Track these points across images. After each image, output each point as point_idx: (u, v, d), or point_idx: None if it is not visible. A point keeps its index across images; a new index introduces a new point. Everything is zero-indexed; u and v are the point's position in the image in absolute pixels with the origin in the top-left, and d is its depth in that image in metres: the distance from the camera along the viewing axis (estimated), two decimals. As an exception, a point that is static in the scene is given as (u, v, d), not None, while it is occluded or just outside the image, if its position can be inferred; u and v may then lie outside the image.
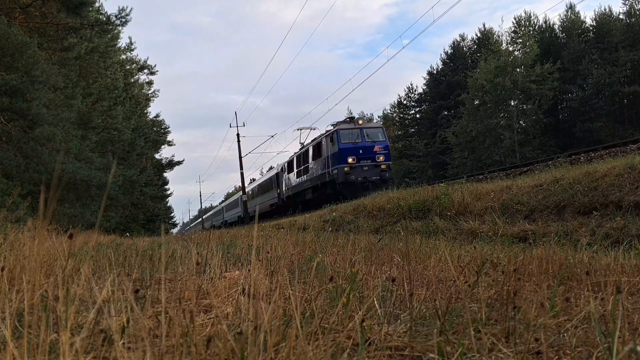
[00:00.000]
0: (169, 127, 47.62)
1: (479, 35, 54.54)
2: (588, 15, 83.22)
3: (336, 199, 18.49)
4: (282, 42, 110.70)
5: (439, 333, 1.63)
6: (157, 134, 44.30)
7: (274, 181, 32.93)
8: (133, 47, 37.01)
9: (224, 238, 8.28)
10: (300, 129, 28.22)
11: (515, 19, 50.39)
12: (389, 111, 63.09)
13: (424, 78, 59.25)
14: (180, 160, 47.96)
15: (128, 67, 36.87)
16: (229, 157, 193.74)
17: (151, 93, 43.62)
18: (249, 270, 2.82)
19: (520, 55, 45.08)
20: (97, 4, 19.10)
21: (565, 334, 1.72)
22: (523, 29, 49.56)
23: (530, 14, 50.51)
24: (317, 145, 23.46)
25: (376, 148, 20.86)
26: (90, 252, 4.30)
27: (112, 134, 24.97)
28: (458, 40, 57.34)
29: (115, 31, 24.71)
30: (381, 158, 20.77)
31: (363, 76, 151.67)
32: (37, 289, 1.87)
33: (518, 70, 43.07)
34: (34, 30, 15.71)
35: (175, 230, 66.12)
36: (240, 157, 35.25)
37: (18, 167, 13.40)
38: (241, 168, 35.23)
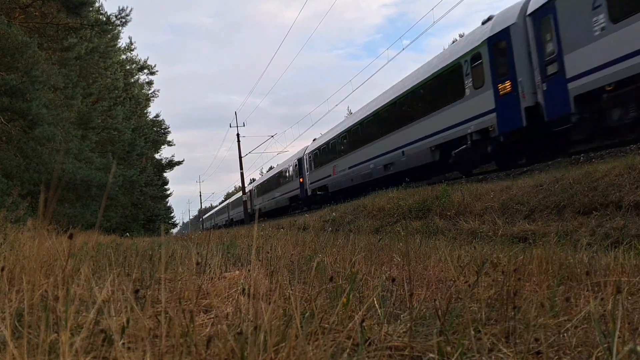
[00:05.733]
0: (169, 127, 47.77)
1: (478, 35, 54.53)
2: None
3: None
4: (282, 43, 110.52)
5: (439, 333, 1.63)
6: (157, 134, 44.33)
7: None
8: (133, 47, 37.02)
9: (224, 238, 8.28)
10: None
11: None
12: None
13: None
14: (180, 160, 48.14)
15: (128, 67, 36.87)
16: (229, 157, 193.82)
17: (151, 93, 43.66)
18: (249, 270, 2.81)
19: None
20: (97, 4, 19.10)
21: (565, 334, 1.72)
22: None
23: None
24: None
25: None
26: (90, 252, 4.30)
27: (112, 134, 24.99)
28: (457, 40, 57.38)
29: (115, 31, 24.72)
30: None
31: (363, 77, 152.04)
32: (37, 289, 1.87)
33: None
34: (34, 30, 15.71)
35: (175, 230, 66.32)
36: (240, 157, 35.27)
37: (18, 167, 13.40)
38: (241, 168, 35.25)
